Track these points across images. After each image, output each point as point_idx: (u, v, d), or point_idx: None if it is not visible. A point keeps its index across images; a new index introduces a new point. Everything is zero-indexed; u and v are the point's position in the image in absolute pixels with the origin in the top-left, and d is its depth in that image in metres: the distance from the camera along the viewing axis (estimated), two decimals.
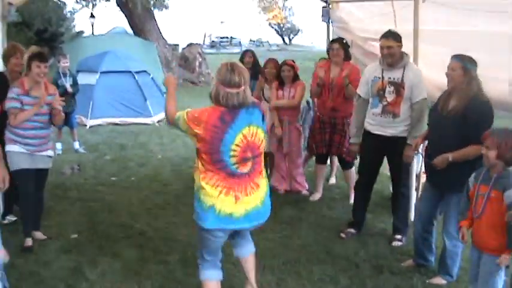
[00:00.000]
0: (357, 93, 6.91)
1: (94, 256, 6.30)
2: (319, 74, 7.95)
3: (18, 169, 6.21)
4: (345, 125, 7.97)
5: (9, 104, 6.17)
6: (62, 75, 11.09)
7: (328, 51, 8.16)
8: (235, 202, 4.50)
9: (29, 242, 6.46)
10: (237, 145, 4.42)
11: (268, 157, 8.90)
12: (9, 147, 6.24)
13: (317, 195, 8.55)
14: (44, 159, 6.59)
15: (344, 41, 8.07)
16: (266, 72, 8.75)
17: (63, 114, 6.70)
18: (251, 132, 4.48)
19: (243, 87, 4.46)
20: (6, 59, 6.98)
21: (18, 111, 6.17)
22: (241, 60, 9.58)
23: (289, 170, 8.79)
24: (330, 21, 9.75)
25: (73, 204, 8.18)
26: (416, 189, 7.16)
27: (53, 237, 6.82)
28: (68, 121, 10.56)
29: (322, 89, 7.97)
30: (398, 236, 6.81)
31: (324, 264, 6.17)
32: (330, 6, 9.69)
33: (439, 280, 5.75)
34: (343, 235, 6.97)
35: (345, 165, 8.37)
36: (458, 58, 5.33)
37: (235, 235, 4.99)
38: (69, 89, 10.95)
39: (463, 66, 5.26)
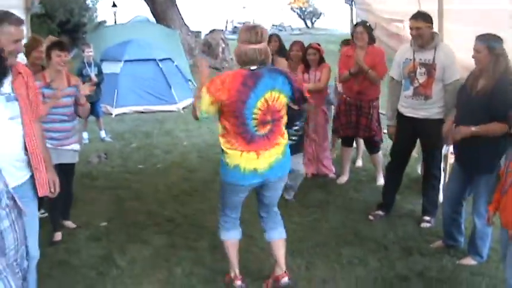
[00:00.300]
0: (390, 76, 6.86)
1: (123, 243, 6.35)
2: (358, 59, 7.71)
3: None
4: (371, 107, 7.94)
5: None
6: (86, 64, 11.13)
7: (352, 34, 8.11)
8: (257, 158, 4.73)
9: (58, 236, 6.44)
10: (259, 109, 4.62)
11: None
12: None
13: (344, 178, 8.52)
14: (69, 154, 6.41)
15: (368, 24, 7.97)
16: (292, 55, 8.67)
17: (88, 105, 6.57)
18: (273, 97, 4.65)
19: (263, 43, 4.69)
20: (27, 52, 6.70)
21: None
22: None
23: (316, 153, 8.75)
24: (353, 3, 9.70)
25: (101, 192, 8.23)
26: (444, 170, 7.12)
27: (82, 225, 6.88)
28: (93, 110, 10.60)
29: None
30: (427, 218, 6.79)
31: (352, 247, 6.18)
32: None
33: (469, 261, 5.73)
34: (371, 217, 6.97)
35: (372, 149, 8.33)
36: (482, 39, 5.25)
37: (264, 212, 5.26)
38: (94, 79, 10.92)
39: (488, 46, 5.19)
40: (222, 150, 4.84)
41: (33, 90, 4.31)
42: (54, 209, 6.49)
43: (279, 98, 4.70)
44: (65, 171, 6.21)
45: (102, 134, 11.99)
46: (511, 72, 5.19)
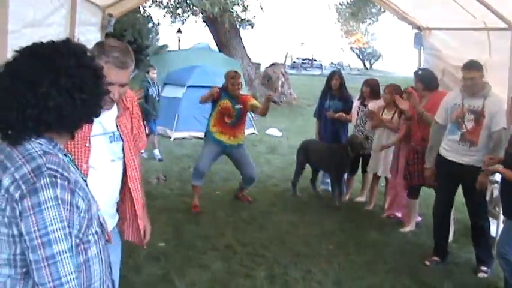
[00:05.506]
0: (435, 119, 6.90)
1: (182, 266, 6.45)
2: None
3: None
4: None
5: None
6: (151, 84, 12.40)
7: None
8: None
9: None
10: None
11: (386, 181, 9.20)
12: None
13: (408, 228, 8.26)
14: None
15: (419, 72, 7.83)
16: (382, 97, 8.91)
17: None
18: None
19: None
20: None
21: None
22: (328, 81, 9.69)
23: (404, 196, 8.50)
24: (422, 48, 9.74)
25: (160, 213, 8.34)
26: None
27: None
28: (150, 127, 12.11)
29: (412, 120, 7.79)
30: (484, 268, 6.71)
31: None
32: (422, 32, 9.69)
33: None
34: (427, 263, 6.92)
35: None
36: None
37: None
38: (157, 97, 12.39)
39: None
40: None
41: (137, 119, 3.76)
42: None
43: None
44: None
45: (157, 152, 12.57)
46: None
